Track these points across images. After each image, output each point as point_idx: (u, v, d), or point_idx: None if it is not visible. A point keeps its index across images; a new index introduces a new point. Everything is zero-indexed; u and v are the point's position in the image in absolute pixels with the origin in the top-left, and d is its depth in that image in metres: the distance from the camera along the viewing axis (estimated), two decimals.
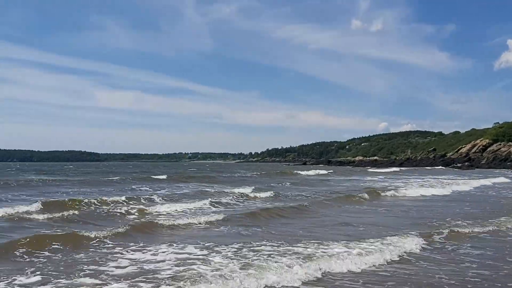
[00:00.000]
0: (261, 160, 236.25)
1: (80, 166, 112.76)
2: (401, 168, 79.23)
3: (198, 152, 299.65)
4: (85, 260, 9.28)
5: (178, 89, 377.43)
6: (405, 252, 9.99)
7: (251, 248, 10.16)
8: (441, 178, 43.32)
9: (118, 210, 16.42)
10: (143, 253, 9.91)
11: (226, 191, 25.14)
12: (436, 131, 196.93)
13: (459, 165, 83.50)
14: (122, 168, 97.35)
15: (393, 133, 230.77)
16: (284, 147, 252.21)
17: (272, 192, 23.16)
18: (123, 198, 19.73)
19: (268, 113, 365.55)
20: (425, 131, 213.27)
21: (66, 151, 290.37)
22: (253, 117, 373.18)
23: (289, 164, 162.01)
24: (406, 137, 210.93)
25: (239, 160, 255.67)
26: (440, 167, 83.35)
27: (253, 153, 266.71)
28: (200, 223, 13.74)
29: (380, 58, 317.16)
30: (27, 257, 9.55)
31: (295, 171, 59.36)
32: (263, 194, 22.21)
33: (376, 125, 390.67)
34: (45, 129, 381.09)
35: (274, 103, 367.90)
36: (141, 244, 10.75)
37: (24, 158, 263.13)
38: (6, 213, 15.26)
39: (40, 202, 17.06)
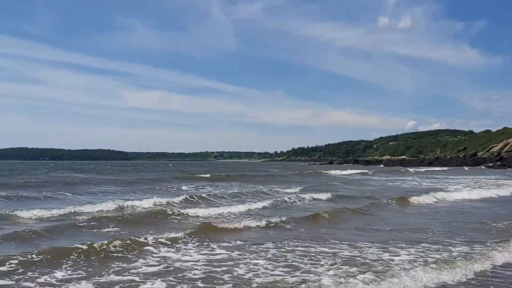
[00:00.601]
0: (287, 159, 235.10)
1: (114, 165, 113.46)
2: (444, 168, 76.58)
3: (224, 151, 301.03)
4: (142, 263, 8.99)
5: (204, 89, 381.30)
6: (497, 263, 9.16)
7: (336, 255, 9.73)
8: (483, 178, 41.99)
9: (177, 212, 15.98)
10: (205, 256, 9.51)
11: (277, 191, 24.79)
12: (466, 130, 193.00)
13: (490, 164, 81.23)
14: (155, 166, 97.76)
15: (421, 132, 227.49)
16: (310, 146, 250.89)
17: (330, 193, 22.31)
18: (180, 199, 19.43)
19: (294, 112, 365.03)
20: (455, 129, 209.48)
21: (95, 149, 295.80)
22: (279, 116, 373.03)
23: (315, 164, 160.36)
24: (435, 136, 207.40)
25: (264, 159, 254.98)
26: (481, 166, 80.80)
27: (278, 152, 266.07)
28: (266, 226, 13.19)
29: (408, 56, 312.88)
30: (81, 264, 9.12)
31: (329, 170, 58.29)
32: (320, 196, 21.47)
33: (404, 124, 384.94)
34: (75, 128, 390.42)
35: (299, 102, 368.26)
36: (207, 251, 10.22)
37: (55, 157, 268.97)
38: (60, 212, 15.33)
39: (114, 202, 17.15)
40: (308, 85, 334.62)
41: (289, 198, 20.41)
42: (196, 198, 19.94)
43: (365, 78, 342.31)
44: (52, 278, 7.84)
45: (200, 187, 29.11)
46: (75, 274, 8.11)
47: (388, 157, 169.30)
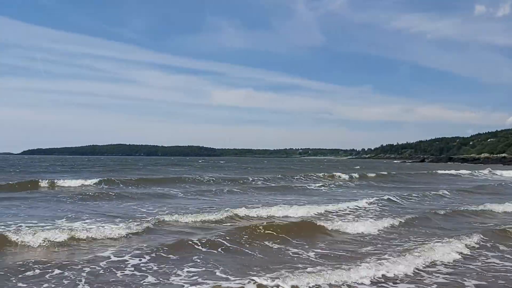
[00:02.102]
0: (375, 157, 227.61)
1: (208, 161, 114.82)
2: None
3: (309, 148, 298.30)
4: None
5: (289, 85, 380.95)
6: None
7: None
8: None
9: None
10: None
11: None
12: None
13: None
14: (255, 163, 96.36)
15: None
16: (400, 143, 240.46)
17: None
18: (364, 203, 17.84)
19: (382, 107, 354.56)
20: None
21: (186, 146, 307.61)
22: (366, 112, 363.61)
23: (405, 162, 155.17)
24: None
25: (351, 157, 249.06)
26: None
27: (366, 149, 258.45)
28: None
29: (508, 46, 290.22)
30: None
31: (446, 170, 53.33)
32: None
33: (504, 119, 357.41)
34: (167, 126, 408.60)
35: (388, 97, 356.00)
36: None
37: (150, 153, 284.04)
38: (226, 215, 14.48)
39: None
40: (397, 80, 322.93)
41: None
42: (384, 202, 18.38)
43: (460, 71, 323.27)
44: None
45: (358, 187, 27.53)
46: None
47: (486, 155, 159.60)
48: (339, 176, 36.50)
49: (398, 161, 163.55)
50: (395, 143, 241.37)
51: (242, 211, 15.01)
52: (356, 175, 38.35)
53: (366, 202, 17.96)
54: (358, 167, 67.89)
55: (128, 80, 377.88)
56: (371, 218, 14.62)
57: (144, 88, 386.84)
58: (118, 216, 14.51)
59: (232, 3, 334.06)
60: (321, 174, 38.45)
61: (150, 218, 13.76)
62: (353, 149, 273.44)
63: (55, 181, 25.63)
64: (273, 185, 29.50)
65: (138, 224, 12.21)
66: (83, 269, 8.17)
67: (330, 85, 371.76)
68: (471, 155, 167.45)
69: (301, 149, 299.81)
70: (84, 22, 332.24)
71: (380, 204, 18.09)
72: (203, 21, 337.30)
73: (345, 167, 69.41)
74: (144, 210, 16.40)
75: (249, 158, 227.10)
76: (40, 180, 25.41)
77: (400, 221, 13.84)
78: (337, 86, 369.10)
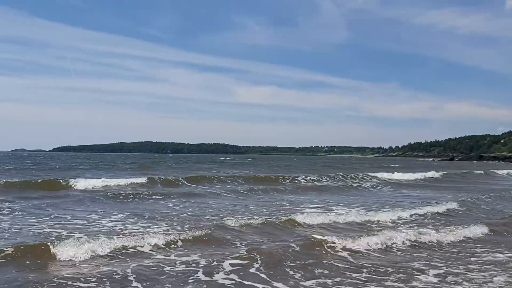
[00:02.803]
0: (402, 155, 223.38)
1: (240, 159, 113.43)
2: None
3: (335, 146, 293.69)
4: None
5: (314, 83, 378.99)
6: None
7: None
8: None
9: None
10: None
11: None
12: None
13: None
14: (289, 160, 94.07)
15: None
16: (428, 141, 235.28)
17: None
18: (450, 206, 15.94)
19: (409, 104, 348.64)
20: None
21: (211, 143, 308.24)
22: (393, 109, 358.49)
23: (434, 160, 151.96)
24: None
25: (378, 155, 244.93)
26: None
27: (393, 147, 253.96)
28: None
29: None
30: None
31: (500, 170, 50.23)
32: None
33: None
34: (192, 123, 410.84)
35: (416, 94, 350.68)
36: None
37: (176, 150, 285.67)
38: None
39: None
40: (425, 76, 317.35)
41: None
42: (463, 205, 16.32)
43: (491, 66, 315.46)
44: None
45: (415, 187, 25.39)
46: None
47: None
48: (385, 176, 33.91)
49: (429, 159, 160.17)
50: (423, 141, 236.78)
51: (302, 218, 13.00)
52: (413, 174, 35.84)
53: (441, 206, 15.97)
54: (397, 165, 65.26)
55: (155, 78, 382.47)
56: (459, 225, 12.60)
57: (170, 86, 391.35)
58: (162, 217, 13.32)
59: (257, 0, 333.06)
60: (368, 174, 35.73)
61: (209, 222, 12.61)
62: (380, 147, 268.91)
63: (89, 179, 24.02)
64: (317, 184, 27.56)
65: (190, 228, 11.41)
66: (130, 266, 7.92)
67: (356, 82, 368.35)
68: (503, 153, 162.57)
69: (326, 147, 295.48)
70: (112, 22, 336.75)
71: (460, 208, 15.99)
72: (228, 19, 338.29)
73: (381, 165, 66.75)
74: (191, 211, 15.12)
75: (274, 155, 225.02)
76: (73, 179, 23.66)
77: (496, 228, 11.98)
78: (364, 83, 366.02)
